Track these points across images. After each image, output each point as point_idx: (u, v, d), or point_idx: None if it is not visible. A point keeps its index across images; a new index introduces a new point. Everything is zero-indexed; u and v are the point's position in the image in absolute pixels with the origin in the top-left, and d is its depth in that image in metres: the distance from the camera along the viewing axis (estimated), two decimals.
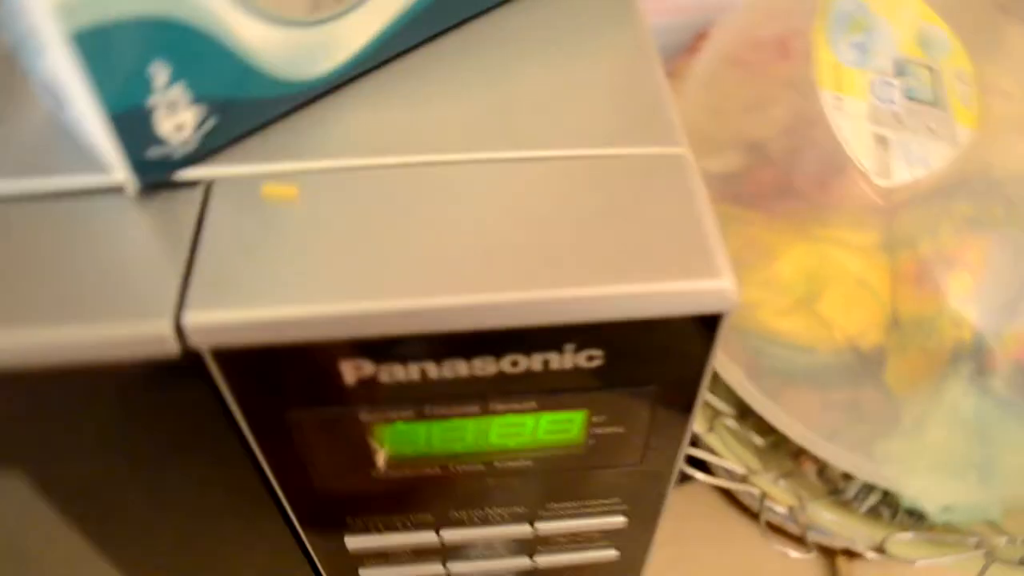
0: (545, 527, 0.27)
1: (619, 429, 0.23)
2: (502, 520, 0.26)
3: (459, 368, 0.20)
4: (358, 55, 0.22)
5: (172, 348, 0.18)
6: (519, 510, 0.26)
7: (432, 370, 0.19)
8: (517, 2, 0.25)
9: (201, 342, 0.18)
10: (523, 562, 0.29)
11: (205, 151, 0.20)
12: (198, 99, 0.19)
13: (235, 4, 0.18)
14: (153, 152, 0.19)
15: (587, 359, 0.20)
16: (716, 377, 0.46)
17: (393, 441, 0.22)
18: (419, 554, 0.27)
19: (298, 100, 0.22)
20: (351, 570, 0.28)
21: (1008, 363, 0.39)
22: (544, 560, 0.29)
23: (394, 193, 0.20)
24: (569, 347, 0.19)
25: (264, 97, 0.21)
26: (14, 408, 0.19)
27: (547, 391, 0.21)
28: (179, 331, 0.18)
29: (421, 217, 0.19)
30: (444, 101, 0.22)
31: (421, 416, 0.21)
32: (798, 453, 0.42)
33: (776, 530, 0.45)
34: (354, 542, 0.26)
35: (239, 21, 0.19)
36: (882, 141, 0.34)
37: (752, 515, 0.48)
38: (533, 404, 0.21)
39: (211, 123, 0.20)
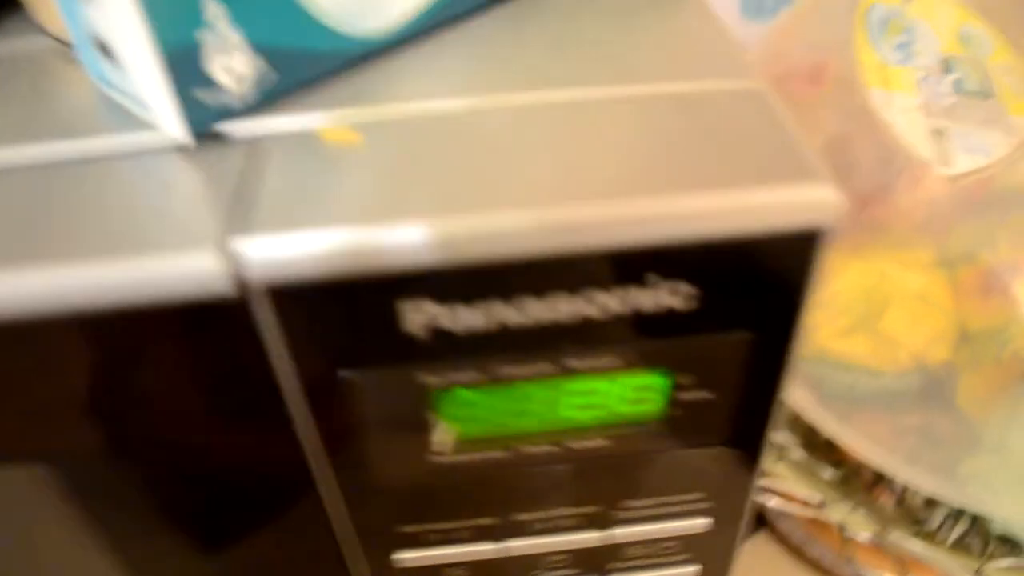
0: (622, 533, 0.24)
1: (706, 394, 0.20)
2: (573, 526, 0.24)
3: (531, 309, 0.18)
4: (417, 16, 0.21)
5: (223, 282, 0.16)
6: (591, 510, 0.23)
7: (499, 311, 0.18)
8: None
9: (254, 274, 0.16)
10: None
11: (260, 103, 0.19)
12: (253, 45, 0.18)
13: None
14: (205, 95, 0.18)
15: (671, 294, 0.18)
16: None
17: (454, 412, 0.20)
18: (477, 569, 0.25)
19: (356, 56, 0.21)
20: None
21: None
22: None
23: (464, 135, 0.19)
24: (653, 279, 0.18)
25: (322, 50, 0.20)
26: (46, 359, 0.17)
27: (626, 341, 0.19)
28: (232, 261, 0.16)
29: (497, 152, 0.18)
30: (510, 50, 0.21)
31: (486, 378, 0.19)
32: (872, 485, 0.39)
33: None
34: (404, 557, 0.24)
35: None
36: (939, 133, 0.32)
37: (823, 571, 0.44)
38: (611, 360, 0.19)
39: (266, 73, 0.19)
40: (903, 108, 0.33)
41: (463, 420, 0.20)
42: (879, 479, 0.38)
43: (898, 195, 0.39)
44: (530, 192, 0.17)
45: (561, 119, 0.19)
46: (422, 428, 0.20)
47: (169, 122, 0.18)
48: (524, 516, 0.23)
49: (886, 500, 0.39)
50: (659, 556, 0.25)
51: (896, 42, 0.34)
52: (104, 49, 0.19)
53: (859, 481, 0.39)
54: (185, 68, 0.18)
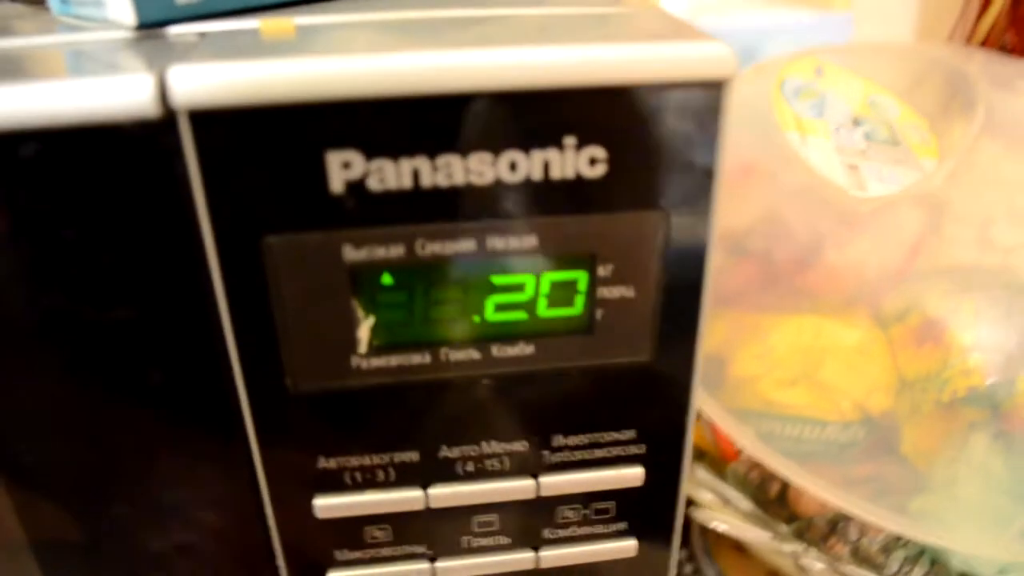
0: (552, 482, 0.23)
1: (627, 291, 0.21)
2: (500, 470, 0.23)
3: (454, 170, 0.18)
4: None
5: (150, 102, 0.17)
6: (520, 448, 0.22)
7: (426, 172, 0.18)
8: None
9: (179, 96, 0.17)
10: (526, 556, 0.24)
11: (198, 14, 0.21)
12: None
13: None
14: None
15: (589, 163, 0.19)
16: (724, 467, 0.42)
17: (376, 300, 0.20)
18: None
19: None
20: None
21: None
22: (551, 554, 0.24)
23: (396, 25, 0.20)
24: (569, 141, 0.18)
25: None
26: None
27: (545, 214, 0.19)
28: (160, 83, 0.17)
29: (419, 33, 0.20)
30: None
31: (408, 256, 0.19)
32: (827, 535, 0.37)
33: None
34: (325, 504, 0.22)
35: None
36: (852, 168, 0.35)
37: None
38: (531, 240, 0.20)
39: None
40: (818, 148, 0.35)
41: (384, 310, 0.20)
42: (832, 530, 0.37)
43: (828, 259, 0.41)
44: (447, 45, 0.18)
45: (478, 22, 0.21)
46: (342, 319, 0.20)
47: (121, 9, 0.20)
48: (449, 452, 0.22)
49: (840, 550, 0.37)
50: (594, 524, 0.24)
51: (809, 104, 0.38)
52: None
53: (812, 534, 0.38)
54: None
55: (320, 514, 0.22)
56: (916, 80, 0.39)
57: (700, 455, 0.42)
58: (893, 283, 0.40)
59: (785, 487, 0.40)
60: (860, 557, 0.37)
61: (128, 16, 0.20)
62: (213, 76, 0.17)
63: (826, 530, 0.37)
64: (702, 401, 0.39)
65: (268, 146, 0.18)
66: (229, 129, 0.17)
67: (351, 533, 0.23)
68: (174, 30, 0.21)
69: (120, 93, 0.17)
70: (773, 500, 0.38)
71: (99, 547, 0.22)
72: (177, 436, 0.21)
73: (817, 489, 0.35)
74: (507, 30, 0.20)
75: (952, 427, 0.36)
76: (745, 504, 0.38)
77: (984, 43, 0.49)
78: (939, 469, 0.36)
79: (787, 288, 0.42)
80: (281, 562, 0.23)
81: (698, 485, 0.41)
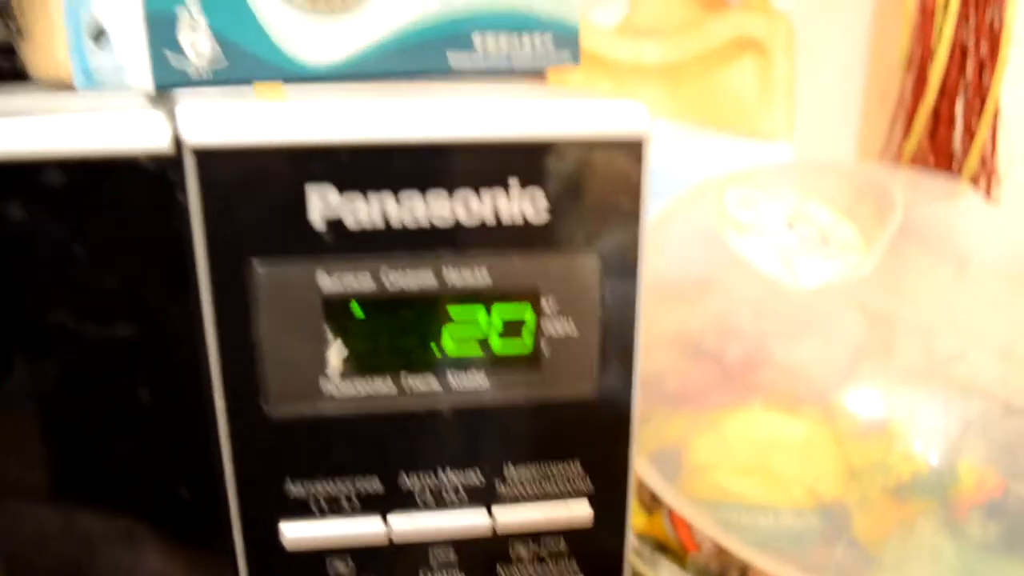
0: (504, 516, 0.24)
1: (570, 327, 0.23)
2: (457, 500, 0.24)
3: (416, 208, 0.21)
4: (340, 62, 0.28)
5: (163, 137, 0.20)
6: (475, 477, 0.24)
7: (392, 208, 0.21)
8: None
9: (188, 134, 0.20)
10: None
11: (211, 81, 0.25)
12: (215, 33, 0.24)
13: None
14: (172, 58, 0.23)
15: (531, 201, 0.22)
16: (685, 558, 0.43)
17: (348, 330, 0.22)
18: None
19: (294, 75, 0.26)
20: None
21: (975, 508, 0.39)
22: None
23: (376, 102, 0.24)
24: (513, 181, 0.22)
25: (266, 58, 0.26)
26: None
27: (495, 252, 0.22)
28: (173, 121, 0.20)
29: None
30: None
31: (376, 288, 0.22)
32: None
33: None
34: (290, 531, 0.23)
35: None
36: (787, 260, 0.38)
37: None
38: (482, 275, 0.22)
39: (221, 60, 0.24)
40: (754, 245, 0.39)
41: (353, 339, 0.22)
42: None
43: (777, 358, 0.44)
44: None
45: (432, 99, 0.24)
46: (316, 343, 0.22)
47: (141, 75, 0.23)
48: (409, 481, 0.24)
49: None
50: (546, 563, 0.25)
51: (747, 211, 0.42)
52: (97, 35, 0.24)
53: None
54: (161, 32, 0.23)
55: (288, 543, 0.24)
56: (849, 198, 0.44)
57: (662, 548, 0.43)
58: (839, 381, 0.43)
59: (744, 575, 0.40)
60: None
61: (146, 81, 0.23)
62: (216, 120, 0.20)
63: None
64: (661, 489, 0.41)
65: (258, 180, 0.21)
66: (224, 164, 0.20)
67: (315, 565, 0.24)
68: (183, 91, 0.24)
69: (139, 132, 0.20)
70: None
71: None
72: (155, 457, 0.23)
73: (774, 570, 0.36)
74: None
75: (902, 514, 0.38)
76: None
77: (909, 165, 0.55)
78: (890, 553, 0.37)
79: (739, 386, 0.45)
80: None
81: None
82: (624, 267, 0.23)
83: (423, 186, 0.21)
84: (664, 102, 0.61)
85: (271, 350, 0.22)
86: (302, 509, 0.24)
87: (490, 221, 0.22)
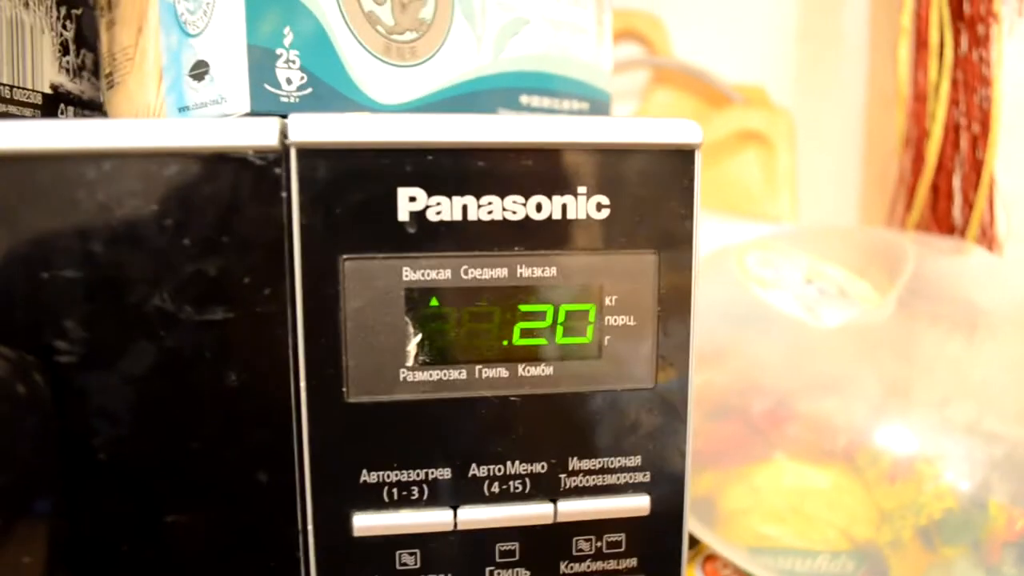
0: (567, 508, 0.25)
1: (629, 320, 0.25)
2: (522, 493, 0.25)
3: (494, 208, 0.24)
4: (408, 105, 0.31)
5: (271, 135, 0.22)
6: (540, 469, 0.25)
7: (472, 207, 0.24)
8: None
9: (295, 134, 0.23)
10: None
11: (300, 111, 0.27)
12: (303, 68, 0.27)
13: (341, 21, 0.28)
14: (269, 89, 0.26)
15: (596, 208, 0.24)
16: None
17: (426, 321, 0.24)
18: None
19: (364, 111, 0.29)
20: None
21: (1008, 547, 0.39)
22: None
23: None
24: (582, 190, 0.24)
25: (347, 95, 0.29)
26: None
27: (563, 250, 0.24)
28: (282, 125, 0.23)
29: None
30: None
31: (453, 282, 0.24)
32: None
33: None
34: (362, 523, 0.24)
35: (340, 30, 0.28)
36: (810, 309, 0.40)
37: None
38: (551, 271, 0.24)
39: (309, 92, 0.27)
40: (778, 296, 0.41)
41: (430, 330, 0.24)
42: None
43: (802, 412, 0.45)
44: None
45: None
46: (397, 333, 0.24)
47: (240, 102, 0.26)
48: (477, 471, 0.25)
49: None
50: (607, 559, 0.26)
51: (768, 270, 0.44)
52: (197, 72, 0.27)
53: None
54: (262, 65, 0.26)
55: (358, 532, 0.24)
56: (860, 260, 0.47)
57: None
58: (864, 430, 0.44)
59: None
60: None
61: (246, 107, 0.26)
62: (319, 122, 0.23)
63: None
64: (702, 533, 0.41)
65: (353, 178, 0.23)
66: (325, 162, 0.23)
67: (383, 558, 0.25)
68: None
69: (253, 131, 0.22)
70: None
71: None
72: (238, 436, 0.24)
73: None
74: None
75: (936, 557, 0.38)
76: None
77: None
78: None
79: (765, 440, 0.46)
80: None
81: None
82: (679, 264, 0.25)
83: (502, 189, 0.24)
84: None
85: (354, 338, 0.24)
86: (375, 499, 0.25)
87: (559, 222, 0.24)
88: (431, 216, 0.24)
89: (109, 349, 0.23)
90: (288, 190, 0.23)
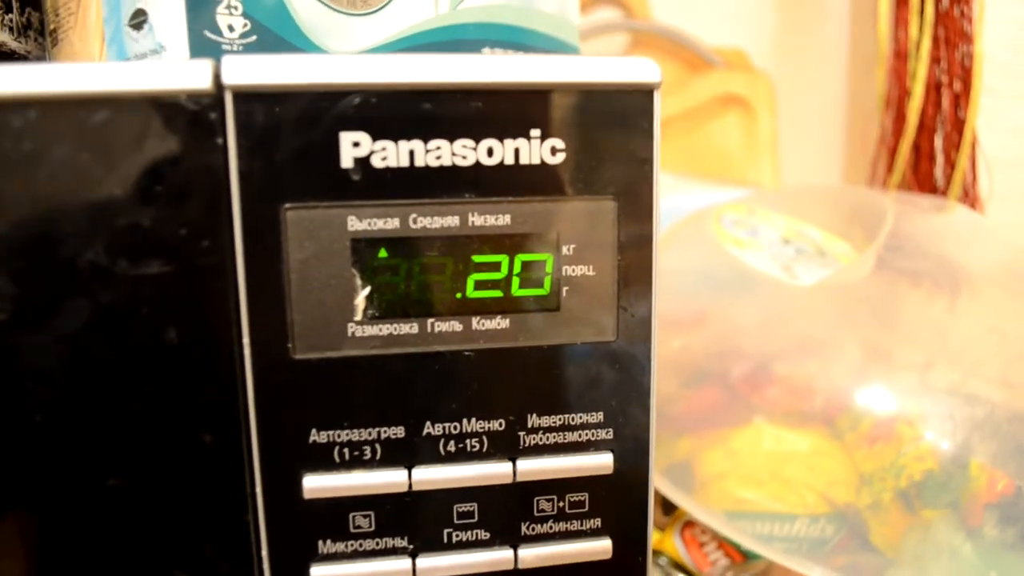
0: (526, 466, 0.24)
1: (588, 271, 0.24)
2: (479, 451, 0.24)
3: (443, 153, 0.23)
4: (362, 52, 0.29)
5: (205, 78, 0.21)
6: (498, 426, 0.24)
7: (419, 152, 0.23)
8: None
9: (228, 78, 0.21)
10: (505, 555, 0.25)
11: None
12: (247, 14, 0.26)
13: None
14: (209, 36, 0.25)
15: (551, 152, 0.23)
16: None
17: (374, 272, 0.23)
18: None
19: None
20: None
21: (990, 509, 0.38)
22: (529, 553, 0.25)
23: None
24: (535, 133, 0.23)
25: (291, 44, 0.27)
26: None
27: (518, 194, 0.23)
28: (216, 67, 0.21)
29: None
30: None
31: (405, 230, 0.23)
32: None
33: None
34: (312, 485, 0.23)
35: None
36: (786, 268, 0.39)
37: None
38: (505, 218, 0.23)
39: (250, 38, 0.26)
40: (755, 258, 0.40)
41: (379, 282, 0.23)
42: None
43: (781, 375, 0.44)
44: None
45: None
46: (342, 287, 0.23)
47: (179, 51, 0.25)
48: (432, 429, 0.24)
49: None
50: (570, 519, 0.25)
51: (744, 231, 0.43)
52: (137, 21, 0.26)
53: None
54: (200, 11, 0.25)
55: (308, 495, 0.24)
56: (840, 218, 0.46)
57: (678, 568, 0.42)
58: (844, 393, 0.43)
59: None
60: None
61: (185, 56, 0.25)
62: (255, 64, 0.22)
63: None
64: (678, 498, 0.40)
65: (293, 124, 0.22)
66: (263, 106, 0.22)
67: (335, 521, 0.24)
68: None
69: (185, 74, 0.21)
70: None
71: None
72: (181, 396, 0.23)
73: (794, 565, 0.35)
74: None
75: (916, 519, 0.38)
76: None
77: None
78: (908, 554, 0.37)
79: (744, 405, 0.45)
80: (265, 552, 0.24)
81: None
82: (639, 210, 0.24)
83: (450, 133, 0.23)
84: None
85: (299, 292, 0.23)
86: (325, 459, 0.24)
87: (512, 167, 0.23)
88: (376, 162, 0.22)
89: (41, 307, 0.22)
90: (224, 136, 0.22)
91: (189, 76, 0.21)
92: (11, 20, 0.33)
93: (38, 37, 0.34)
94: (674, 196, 0.61)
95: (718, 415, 0.45)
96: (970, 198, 0.52)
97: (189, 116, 0.22)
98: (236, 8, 0.26)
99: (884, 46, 0.50)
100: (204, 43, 0.25)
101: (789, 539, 0.39)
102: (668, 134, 0.64)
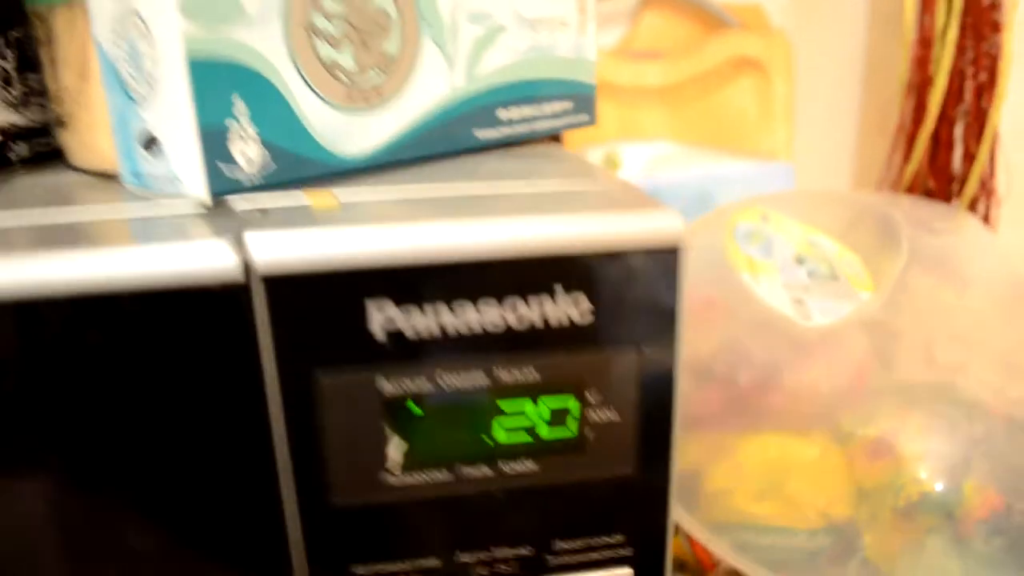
0: None
1: (612, 415, 0.25)
2: (510, 571, 0.26)
3: (468, 315, 0.23)
4: (377, 150, 0.29)
5: (232, 264, 0.21)
6: (526, 552, 0.26)
7: (446, 316, 0.23)
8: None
9: (257, 263, 0.21)
10: None
11: (261, 185, 0.26)
12: (263, 140, 0.25)
13: (297, 77, 0.26)
14: (224, 168, 0.25)
15: (575, 305, 0.23)
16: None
17: (407, 428, 0.24)
18: None
19: (336, 169, 0.28)
20: None
21: (979, 523, 0.41)
22: None
23: (418, 202, 0.25)
24: (559, 288, 0.23)
25: (311, 158, 0.27)
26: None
27: (542, 353, 0.24)
28: (240, 245, 0.21)
29: (434, 211, 0.25)
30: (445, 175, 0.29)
31: (432, 388, 0.23)
32: None
33: None
34: None
35: (297, 86, 0.26)
36: (798, 301, 0.40)
37: None
38: (531, 372, 0.24)
39: (270, 165, 0.26)
40: (768, 285, 0.41)
41: (412, 436, 0.24)
42: None
43: (787, 382, 0.45)
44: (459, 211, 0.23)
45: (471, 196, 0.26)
46: (378, 441, 0.24)
47: (196, 186, 0.24)
48: (465, 557, 0.25)
49: None
50: None
51: (758, 246, 0.43)
52: (148, 144, 0.25)
53: None
54: (214, 145, 0.24)
55: None
56: (851, 224, 0.45)
57: (681, 566, 0.45)
58: (847, 403, 0.45)
59: None
60: None
61: (201, 192, 0.24)
62: (282, 246, 0.21)
63: None
64: (680, 516, 0.43)
65: (322, 299, 0.22)
66: (290, 288, 0.22)
67: None
68: (240, 206, 0.25)
69: (211, 262, 0.21)
70: None
71: None
72: (230, 551, 0.24)
73: None
74: (508, 205, 0.25)
75: (910, 533, 0.40)
76: None
77: (910, 188, 0.56)
78: (900, 570, 0.39)
79: (750, 410, 0.46)
80: None
81: None
82: (662, 360, 0.24)
83: (474, 296, 0.23)
84: (665, 123, 0.62)
85: (337, 449, 0.23)
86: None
87: (538, 324, 0.23)
88: (403, 327, 0.23)
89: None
90: (254, 317, 0.22)
91: (216, 263, 0.21)
92: (13, 96, 0.31)
93: (38, 99, 0.33)
94: (682, 168, 0.60)
95: (723, 418, 0.47)
96: (987, 190, 0.51)
97: (219, 302, 0.22)
98: (248, 133, 0.25)
99: (909, 33, 0.48)
100: (222, 179, 0.25)
101: (788, 551, 0.41)
102: (678, 99, 0.63)
